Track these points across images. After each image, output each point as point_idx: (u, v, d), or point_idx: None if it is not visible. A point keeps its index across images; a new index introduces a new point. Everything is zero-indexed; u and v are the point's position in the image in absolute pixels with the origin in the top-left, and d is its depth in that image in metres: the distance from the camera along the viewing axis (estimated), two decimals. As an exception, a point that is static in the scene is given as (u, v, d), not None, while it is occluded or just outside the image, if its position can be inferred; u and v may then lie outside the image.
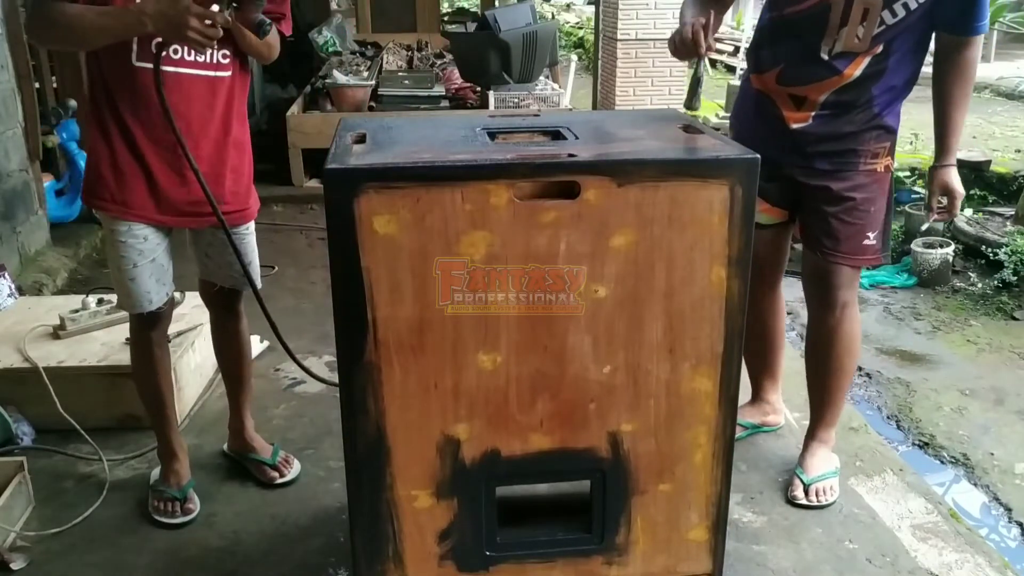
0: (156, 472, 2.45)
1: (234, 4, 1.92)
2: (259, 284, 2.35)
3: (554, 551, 1.90)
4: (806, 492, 2.45)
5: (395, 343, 1.66)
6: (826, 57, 2.16)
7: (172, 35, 1.85)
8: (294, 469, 2.54)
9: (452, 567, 1.86)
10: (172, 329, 2.87)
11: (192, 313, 3.05)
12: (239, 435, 2.55)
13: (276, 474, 2.50)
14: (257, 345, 3.36)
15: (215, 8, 1.85)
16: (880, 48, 2.13)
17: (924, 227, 2.04)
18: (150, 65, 1.94)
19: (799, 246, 2.54)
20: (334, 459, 2.58)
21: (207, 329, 3.00)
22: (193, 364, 2.94)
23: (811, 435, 2.56)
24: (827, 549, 2.25)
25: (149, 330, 2.27)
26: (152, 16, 1.82)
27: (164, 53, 1.97)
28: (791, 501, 2.45)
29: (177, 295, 3.10)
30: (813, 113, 2.23)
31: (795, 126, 2.26)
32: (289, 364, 3.27)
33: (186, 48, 2.00)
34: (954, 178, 2.23)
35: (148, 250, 2.15)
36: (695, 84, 2.01)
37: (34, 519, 2.34)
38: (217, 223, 2.15)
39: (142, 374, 2.33)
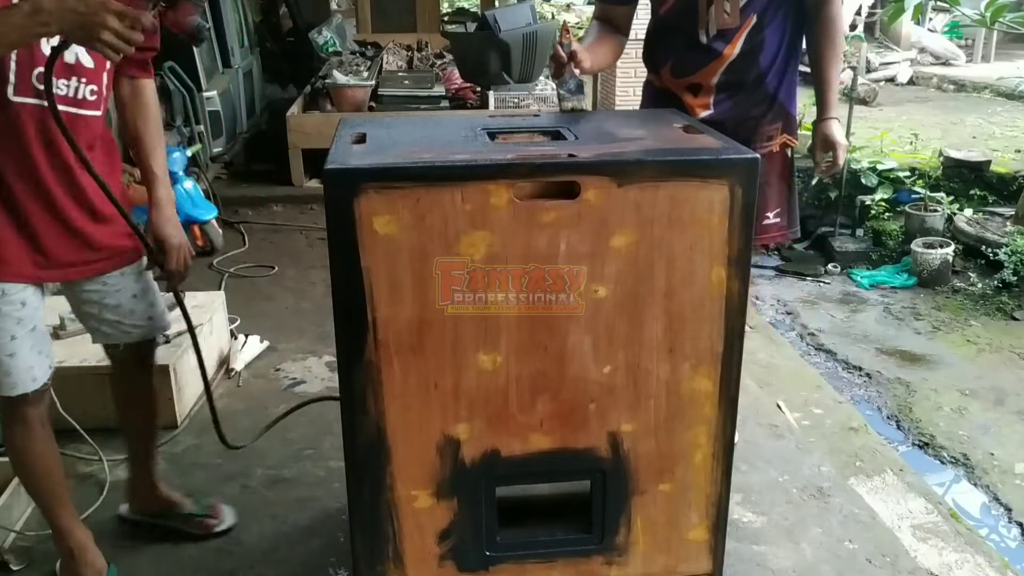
0: (60, 569, 2.10)
1: (162, 3, 1.66)
2: (169, 324, 2.13)
3: (554, 551, 1.90)
4: None
5: (395, 343, 1.66)
6: (705, 41, 2.25)
7: (81, 37, 1.49)
8: (227, 513, 2.32)
9: (452, 567, 1.86)
10: (172, 329, 2.87)
11: (192, 313, 3.03)
12: (152, 493, 2.27)
13: (214, 521, 2.28)
14: (257, 345, 3.37)
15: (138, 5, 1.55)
16: (754, 20, 2.22)
17: (814, 181, 2.04)
18: (30, 100, 1.68)
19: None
20: (334, 459, 2.58)
21: (207, 328, 3.01)
22: (193, 364, 2.93)
23: None
24: (827, 549, 2.25)
25: (32, 408, 1.88)
26: (55, 14, 1.45)
27: (40, 86, 1.65)
28: None
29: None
30: (712, 99, 2.30)
31: (699, 115, 2.31)
32: (289, 364, 3.28)
33: (61, 79, 1.71)
34: (834, 130, 2.32)
35: (27, 317, 1.81)
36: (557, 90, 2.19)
37: (34, 519, 2.34)
38: (102, 270, 1.90)
39: (30, 463, 1.95)
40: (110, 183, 1.83)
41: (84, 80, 1.77)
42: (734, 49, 2.24)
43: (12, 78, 1.66)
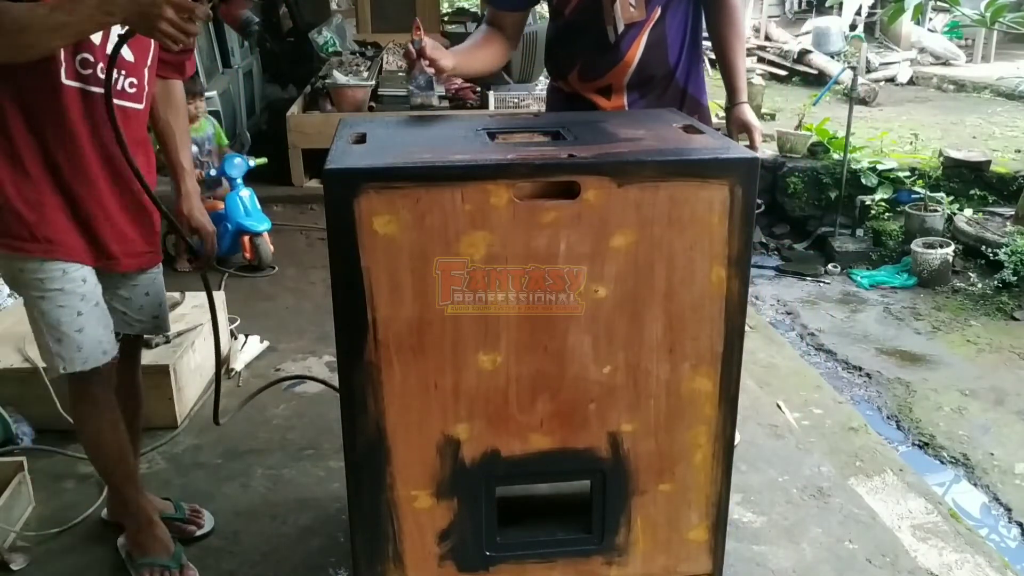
0: (123, 543, 2.15)
1: None
2: (170, 327, 2.17)
3: (554, 551, 1.90)
4: None
5: (395, 343, 1.66)
6: (614, 38, 2.23)
7: (142, 27, 1.61)
8: (207, 519, 2.30)
9: (452, 567, 1.86)
10: (172, 329, 2.88)
11: (192, 313, 3.05)
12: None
13: (193, 527, 2.25)
14: (257, 345, 3.37)
15: None
16: (658, 13, 2.22)
17: None
18: (76, 84, 1.75)
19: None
20: (334, 459, 2.58)
21: (207, 328, 3.01)
22: (193, 364, 2.94)
23: None
24: (827, 549, 2.25)
25: (99, 387, 1.93)
26: (119, 3, 1.58)
27: (90, 72, 1.76)
28: None
29: (177, 295, 3.11)
30: (624, 99, 2.30)
31: None
32: (289, 364, 3.28)
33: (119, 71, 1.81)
34: (748, 113, 2.34)
35: (89, 293, 1.86)
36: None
37: (34, 519, 2.34)
38: (138, 265, 1.97)
39: (103, 443, 1.98)
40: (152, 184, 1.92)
41: (124, 72, 1.83)
42: (639, 45, 2.23)
43: (63, 62, 1.73)
